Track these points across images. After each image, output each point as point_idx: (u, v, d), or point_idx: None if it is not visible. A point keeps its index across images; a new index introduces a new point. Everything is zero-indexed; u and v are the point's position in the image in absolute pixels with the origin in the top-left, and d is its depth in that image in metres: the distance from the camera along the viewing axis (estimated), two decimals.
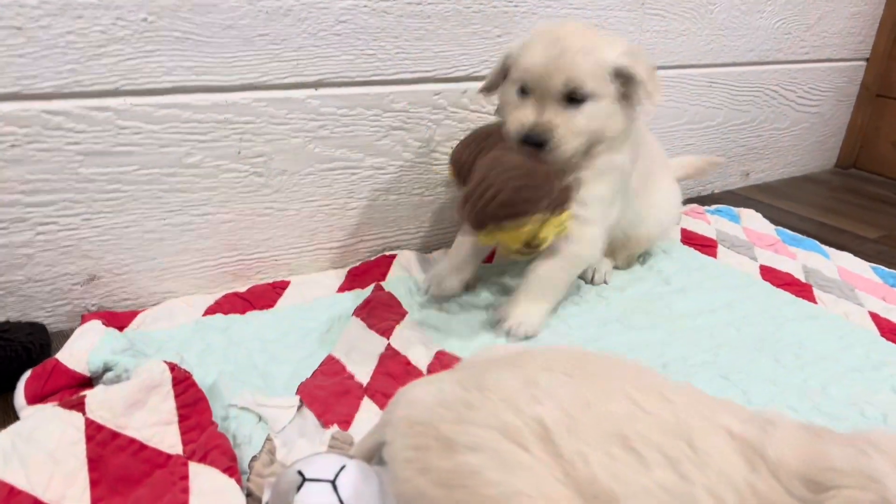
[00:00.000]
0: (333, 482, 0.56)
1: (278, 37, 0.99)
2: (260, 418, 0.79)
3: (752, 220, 1.58)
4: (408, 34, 1.11)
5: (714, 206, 1.65)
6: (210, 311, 1.02)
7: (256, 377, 0.87)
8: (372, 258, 1.21)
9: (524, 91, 0.99)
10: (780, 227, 1.56)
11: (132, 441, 0.68)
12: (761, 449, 0.45)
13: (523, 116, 0.98)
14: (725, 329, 1.10)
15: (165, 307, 1.01)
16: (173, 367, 0.73)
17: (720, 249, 1.41)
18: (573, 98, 0.97)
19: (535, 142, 0.96)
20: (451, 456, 0.50)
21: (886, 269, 1.37)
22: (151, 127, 0.93)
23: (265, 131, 1.03)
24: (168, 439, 0.71)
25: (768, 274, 1.32)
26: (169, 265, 1.02)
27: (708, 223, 1.55)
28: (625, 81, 0.99)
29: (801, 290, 1.26)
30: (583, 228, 1.03)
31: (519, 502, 0.46)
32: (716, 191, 1.83)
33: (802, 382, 0.97)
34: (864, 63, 2.04)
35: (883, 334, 1.12)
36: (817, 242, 1.49)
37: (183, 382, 0.73)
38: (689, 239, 1.45)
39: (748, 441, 0.46)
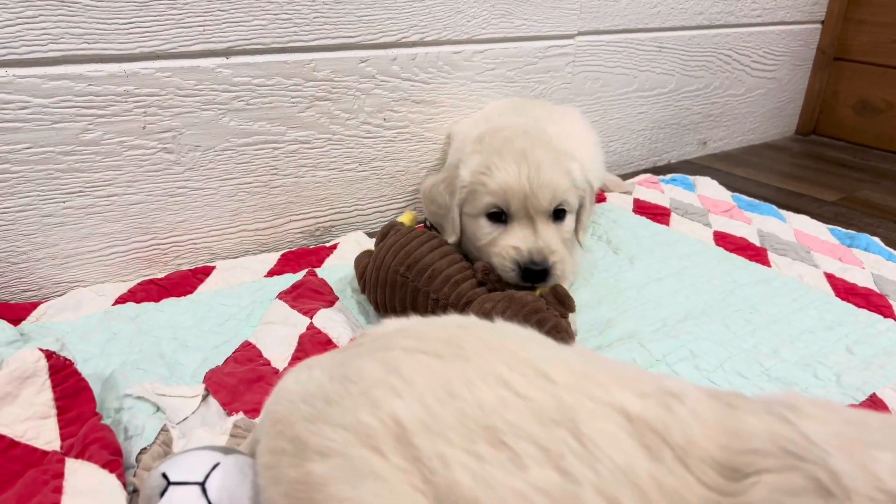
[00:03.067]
0: (202, 484, 0.49)
1: (179, 0, 0.92)
2: (158, 408, 0.72)
3: (708, 188, 1.53)
4: None
5: (669, 176, 1.60)
6: (121, 300, 0.95)
7: (162, 366, 0.80)
8: (312, 246, 1.14)
9: (495, 216, 0.90)
10: (736, 194, 1.51)
11: (1, 438, 0.61)
12: (665, 432, 0.37)
13: (514, 243, 0.88)
14: (673, 297, 1.04)
15: (71, 297, 0.93)
16: (50, 356, 0.66)
17: (673, 217, 1.36)
18: (556, 214, 0.92)
19: (539, 269, 0.86)
20: (300, 463, 0.43)
21: (843, 230, 1.33)
22: (40, 101, 0.86)
23: (172, 104, 0.96)
24: (45, 434, 0.64)
25: (722, 240, 1.26)
26: (73, 252, 0.95)
27: (662, 192, 1.49)
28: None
29: (756, 254, 1.21)
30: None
31: None
32: (672, 161, 1.78)
33: (753, 347, 0.92)
34: (819, 26, 1.99)
35: (838, 294, 1.08)
36: (774, 207, 1.44)
37: (62, 372, 0.66)
38: (642, 208, 1.40)
39: (648, 423, 0.37)
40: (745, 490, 0.34)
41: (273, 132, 1.06)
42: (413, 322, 0.54)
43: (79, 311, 0.91)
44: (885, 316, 1.02)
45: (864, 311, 1.03)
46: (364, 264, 0.92)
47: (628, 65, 1.53)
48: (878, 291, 1.09)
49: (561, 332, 0.77)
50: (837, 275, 1.14)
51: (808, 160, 1.89)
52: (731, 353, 0.89)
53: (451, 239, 0.93)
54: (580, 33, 1.41)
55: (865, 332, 0.97)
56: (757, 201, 1.47)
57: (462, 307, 0.82)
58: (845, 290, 1.09)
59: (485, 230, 0.90)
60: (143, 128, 0.94)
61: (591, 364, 0.43)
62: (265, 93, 1.03)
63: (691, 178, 1.58)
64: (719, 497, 0.34)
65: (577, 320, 0.92)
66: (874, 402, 0.82)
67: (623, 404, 0.39)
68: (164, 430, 0.69)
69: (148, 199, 0.98)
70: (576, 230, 0.97)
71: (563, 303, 0.80)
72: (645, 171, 1.68)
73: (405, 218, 0.97)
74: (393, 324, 0.55)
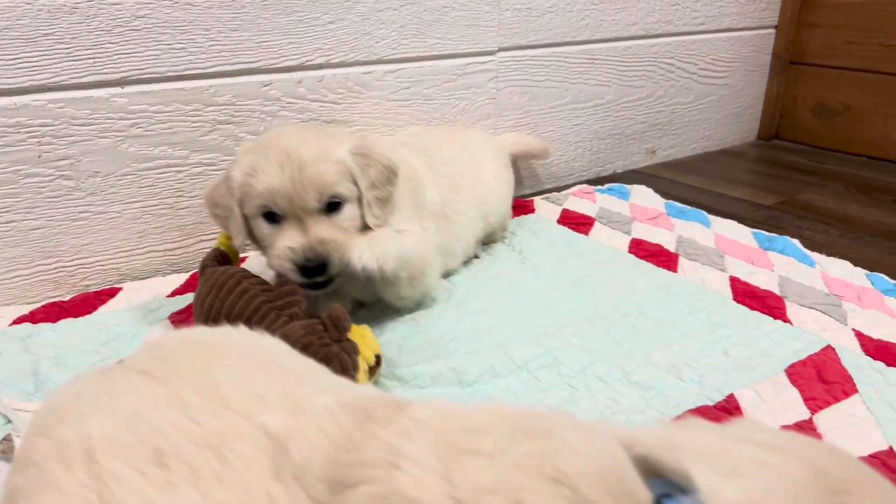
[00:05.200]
0: None
1: (66, 35, 0.97)
2: (9, 420, 0.76)
3: (642, 196, 1.53)
4: (221, 25, 1.09)
5: (606, 186, 1.61)
6: (19, 320, 0.99)
7: (30, 384, 0.84)
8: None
9: (270, 215, 0.91)
10: (669, 201, 1.51)
11: None
12: (291, 449, 0.40)
13: (288, 243, 0.89)
14: (565, 305, 1.05)
15: None
16: None
17: (595, 226, 1.37)
18: (331, 207, 0.92)
19: (315, 265, 0.88)
20: (15, 473, 0.46)
21: (765, 233, 1.32)
22: None
23: (67, 133, 1.01)
24: None
25: (636, 247, 1.27)
26: None
27: (594, 202, 1.50)
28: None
29: (667, 259, 1.22)
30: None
31: None
32: (618, 170, 1.78)
33: (627, 351, 0.92)
34: (772, 31, 1.99)
35: (735, 297, 1.08)
36: (703, 213, 1.44)
37: None
38: (567, 218, 1.41)
39: (282, 442, 0.41)
40: (343, 501, 0.37)
41: (175, 156, 1.11)
42: (181, 334, 0.57)
43: None
44: (775, 318, 1.01)
45: (756, 314, 1.02)
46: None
47: (558, 78, 1.55)
48: (778, 294, 1.08)
49: (331, 364, 0.75)
50: (743, 278, 1.14)
51: (761, 165, 1.88)
52: (596, 358, 0.90)
53: (238, 240, 0.94)
54: (501, 49, 1.43)
55: (749, 334, 0.97)
56: (688, 208, 1.47)
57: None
58: (743, 294, 1.09)
59: (264, 231, 0.91)
60: (39, 156, 0.99)
61: (274, 385, 0.46)
62: (164, 119, 1.08)
63: (628, 187, 1.59)
64: (302, 496, 0.37)
65: (375, 341, 0.86)
66: (728, 403, 0.82)
67: (267, 424, 0.42)
68: (6, 438, 0.72)
69: (49, 224, 1.03)
70: (364, 214, 0.95)
71: (336, 326, 0.80)
72: (587, 181, 1.69)
73: (221, 240, 0.99)
74: (176, 334, 0.59)
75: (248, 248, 1.05)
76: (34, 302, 1.05)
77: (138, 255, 1.12)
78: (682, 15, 1.73)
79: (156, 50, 1.05)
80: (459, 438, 0.38)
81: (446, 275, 1.13)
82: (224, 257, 0.96)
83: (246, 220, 0.94)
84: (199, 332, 0.58)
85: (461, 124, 1.40)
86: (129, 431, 0.44)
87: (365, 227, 0.96)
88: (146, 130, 1.07)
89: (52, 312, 1.01)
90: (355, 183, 0.93)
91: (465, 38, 1.37)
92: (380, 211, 0.96)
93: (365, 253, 0.91)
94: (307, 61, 1.19)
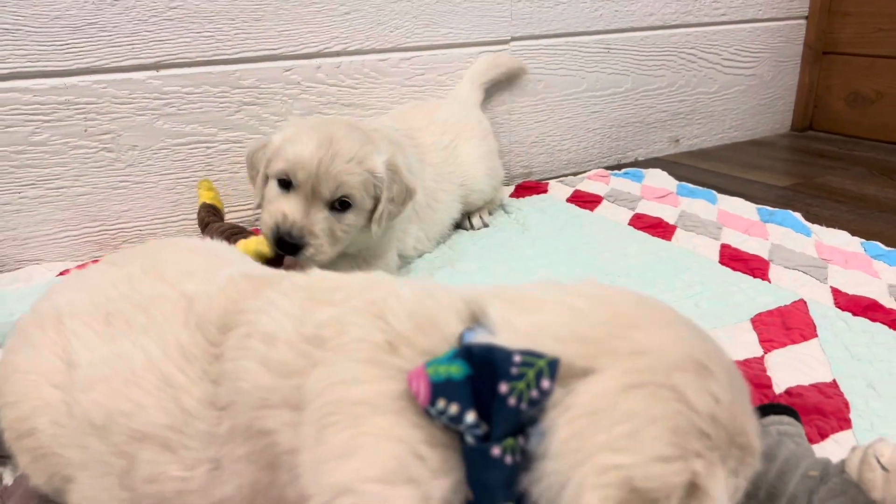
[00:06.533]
0: None
1: (108, 24, 1.12)
2: None
3: (654, 178, 1.58)
4: (245, 15, 1.22)
5: (623, 170, 1.66)
6: (65, 272, 1.13)
7: None
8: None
9: (285, 183, 0.96)
10: (682, 183, 1.55)
11: None
12: (198, 305, 0.51)
13: (285, 209, 0.94)
14: (556, 268, 1.12)
15: (24, 271, 1.13)
16: None
17: (602, 204, 1.42)
18: (339, 204, 0.96)
19: (289, 244, 0.94)
20: (8, 341, 0.59)
21: (769, 209, 1.35)
22: None
23: (109, 110, 1.15)
24: None
25: (637, 220, 1.32)
26: (30, 235, 1.15)
27: (606, 184, 1.56)
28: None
29: (664, 230, 1.26)
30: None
31: (16, 379, 0.54)
32: (640, 158, 1.83)
33: None
34: (802, 21, 1.99)
35: (721, 260, 1.12)
36: (713, 192, 1.47)
37: None
38: (577, 197, 1.47)
39: (191, 299, 0.52)
40: (225, 341, 0.48)
41: (205, 133, 1.23)
42: (157, 242, 0.69)
43: (29, 281, 1.10)
44: (755, 276, 1.05)
45: (737, 274, 1.06)
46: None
47: (573, 66, 1.62)
48: (765, 258, 1.11)
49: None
50: (733, 244, 1.17)
51: (788, 153, 1.89)
52: None
53: (256, 201, 1.02)
54: (514, 39, 1.52)
55: (726, 289, 1.01)
56: (699, 188, 1.50)
57: None
58: (730, 257, 1.12)
59: (272, 192, 0.98)
60: (85, 130, 1.14)
61: (205, 266, 0.58)
62: (195, 99, 1.21)
63: (644, 171, 1.63)
64: (213, 347, 0.48)
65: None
66: None
67: (187, 290, 0.53)
68: None
69: (94, 191, 1.17)
70: (371, 220, 1.00)
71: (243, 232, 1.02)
72: (608, 168, 1.74)
73: (202, 189, 1.12)
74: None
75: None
76: (80, 260, 1.19)
77: (172, 223, 1.25)
78: (703, 6, 1.77)
79: (187, 37, 1.18)
80: (323, 294, 0.47)
81: (420, 254, 1.19)
82: (215, 210, 1.10)
83: (266, 178, 1.00)
84: (164, 239, 0.70)
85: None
86: (88, 301, 0.56)
87: (360, 234, 1.01)
88: (179, 110, 1.20)
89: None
90: (374, 196, 0.99)
91: (477, 28, 1.46)
92: (385, 224, 1.01)
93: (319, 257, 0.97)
94: (325, 49, 1.31)
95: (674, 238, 1.22)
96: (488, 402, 0.36)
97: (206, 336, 0.49)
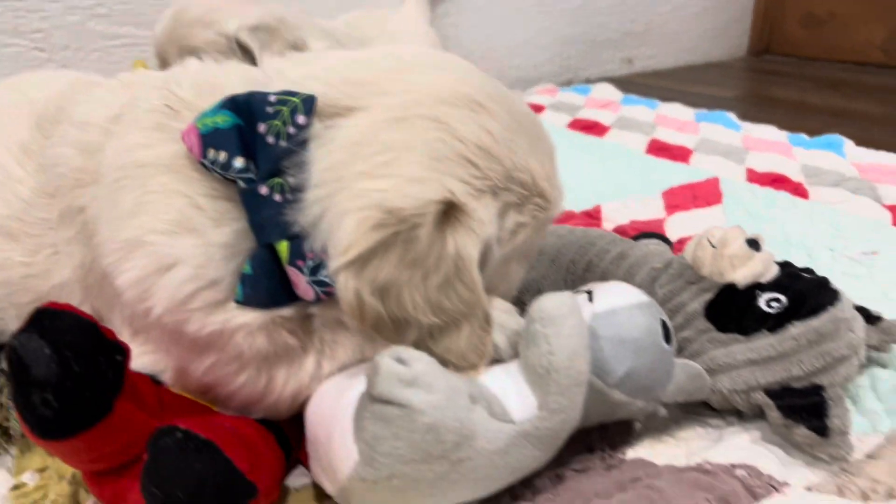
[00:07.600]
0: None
1: None
2: None
3: (601, 91, 1.58)
4: None
5: (571, 86, 1.66)
6: None
7: None
8: None
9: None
10: (629, 95, 1.56)
11: None
12: (36, 107, 0.53)
13: None
14: None
15: None
16: None
17: (544, 112, 1.43)
18: None
19: None
20: None
21: (706, 111, 1.36)
22: None
23: (38, 8, 1.15)
24: None
25: (575, 124, 1.33)
26: None
27: (553, 97, 1.56)
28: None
29: (599, 130, 1.27)
30: None
31: None
32: (592, 77, 1.83)
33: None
34: None
35: (647, 151, 1.14)
36: (655, 101, 1.48)
37: None
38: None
39: (35, 104, 0.54)
40: (55, 130, 0.50)
41: (139, 35, 1.24)
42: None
43: None
44: (675, 161, 1.07)
45: (659, 159, 1.08)
46: None
47: None
48: (690, 148, 1.13)
49: None
50: (662, 139, 1.19)
51: (740, 73, 1.90)
52: None
53: None
54: None
55: (644, 172, 1.03)
56: (644, 99, 1.51)
57: None
58: (656, 148, 1.14)
59: None
60: (15, 28, 1.14)
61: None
62: (127, 0, 1.21)
63: (592, 86, 1.64)
64: (47, 141, 0.49)
65: None
66: (594, 211, 0.89)
67: (35, 96, 0.55)
68: None
69: None
70: None
71: None
72: (562, 84, 1.74)
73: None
74: None
75: None
76: None
77: None
78: None
79: None
80: (136, 80, 0.50)
81: None
82: None
83: None
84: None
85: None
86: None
87: None
88: (111, 10, 1.20)
89: None
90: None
91: None
92: None
93: None
94: None
95: (606, 136, 1.24)
96: (255, 147, 0.38)
97: (43, 132, 0.51)
